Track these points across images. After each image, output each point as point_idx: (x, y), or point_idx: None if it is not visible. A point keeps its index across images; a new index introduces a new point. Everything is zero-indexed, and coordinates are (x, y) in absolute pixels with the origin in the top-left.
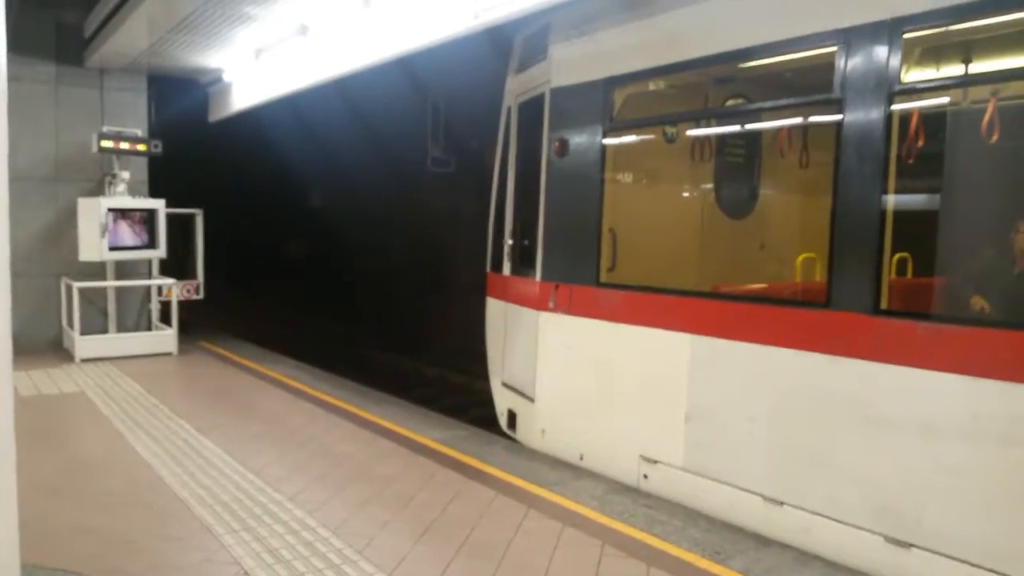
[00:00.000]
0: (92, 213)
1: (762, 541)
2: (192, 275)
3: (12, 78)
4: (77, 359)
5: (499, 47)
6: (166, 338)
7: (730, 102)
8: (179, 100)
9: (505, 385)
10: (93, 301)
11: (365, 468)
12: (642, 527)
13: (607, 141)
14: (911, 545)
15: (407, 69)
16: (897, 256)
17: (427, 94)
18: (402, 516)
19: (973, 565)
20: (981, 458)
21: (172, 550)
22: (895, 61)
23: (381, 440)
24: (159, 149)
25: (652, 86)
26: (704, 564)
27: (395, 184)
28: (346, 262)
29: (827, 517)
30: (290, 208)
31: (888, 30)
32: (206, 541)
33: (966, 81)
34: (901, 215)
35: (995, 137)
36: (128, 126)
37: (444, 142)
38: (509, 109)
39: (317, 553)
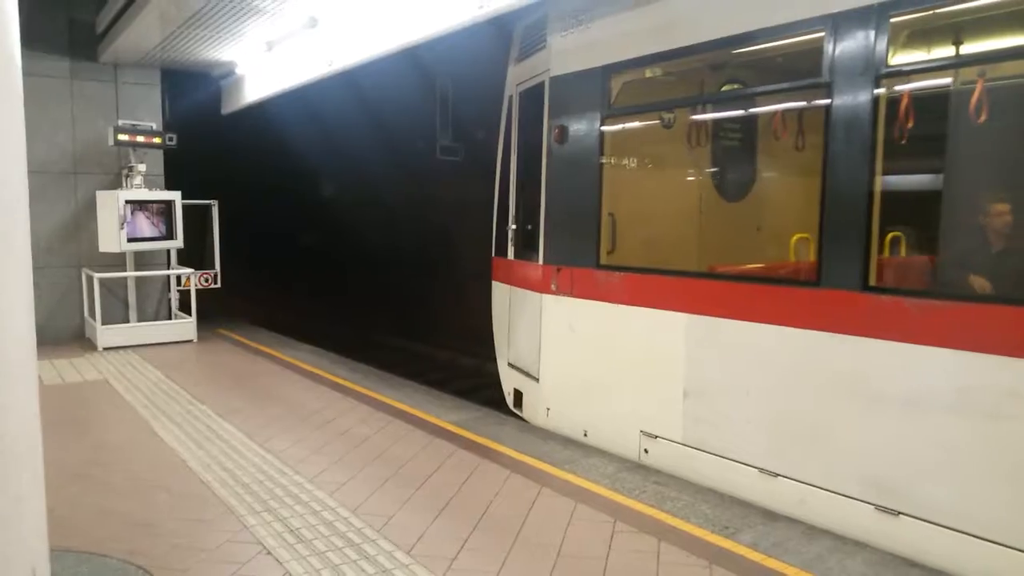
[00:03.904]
0: (110, 205)
1: (770, 516)
2: (209, 265)
3: (27, 73)
4: (99, 348)
5: (505, 36)
6: (186, 326)
7: (726, 87)
8: (192, 93)
9: (511, 366)
10: (113, 291)
11: (382, 449)
12: (652, 503)
13: (605, 128)
14: (900, 513)
15: (415, 60)
16: (891, 235)
17: (435, 84)
18: (419, 495)
19: (959, 531)
20: (967, 430)
21: (195, 532)
22: (882, 45)
23: (397, 422)
24: (174, 142)
25: (649, 73)
26: (713, 539)
27: (405, 173)
28: (358, 250)
29: (820, 488)
30: (302, 198)
31: (875, 14)
32: (228, 522)
33: (951, 63)
34: (893, 195)
35: (982, 118)
36: (143, 120)
37: (452, 131)
38: (510, 98)
39: (337, 532)
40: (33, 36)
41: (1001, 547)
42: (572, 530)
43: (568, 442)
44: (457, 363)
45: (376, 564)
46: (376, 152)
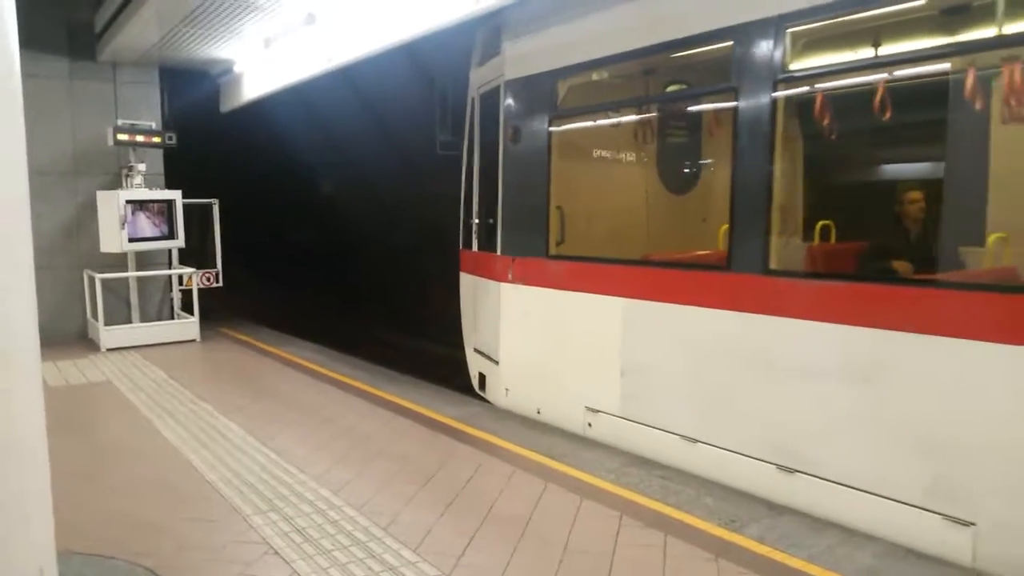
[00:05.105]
0: (111, 205)
1: (776, 509)
2: (211, 264)
3: (26, 75)
4: (103, 349)
5: None
6: (188, 326)
7: (671, 87)
8: (191, 92)
9: (476, 351)
10: (115, 292)
11: (386, 446)
12: (658, 497)
13: (553, 128)
14: (795, 471)
15: (413, 55)
16: (820, 224)
17: (434, 79)
18: (424, 492)
19: (842, 484)
20: (845, 395)
21: (201, 532)
22: (779, 53)
23: (400, 419)
24: (173, 141)
25: (595, 77)
26: (719, 532)
27: (404, 169)
28: (359, 246)
29: (733, 452)
30: (303, 195)
31: (774, 26)
32: (234, 522)
33: (842, 68)
34: (792, 188)
35: (887, 116)
36: (142, 119)
37: (452, 126)
38: (473, 100)
39: (343, 531)
40: (31, 37)
41: (870, 495)
42: (578, 525)
43: (570, 436)
44: (457, 359)
45: (383, 562)
46: (376, 148)
